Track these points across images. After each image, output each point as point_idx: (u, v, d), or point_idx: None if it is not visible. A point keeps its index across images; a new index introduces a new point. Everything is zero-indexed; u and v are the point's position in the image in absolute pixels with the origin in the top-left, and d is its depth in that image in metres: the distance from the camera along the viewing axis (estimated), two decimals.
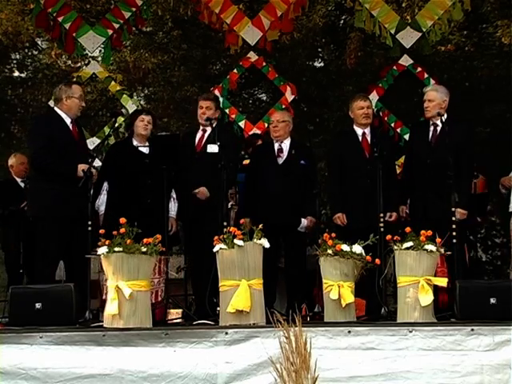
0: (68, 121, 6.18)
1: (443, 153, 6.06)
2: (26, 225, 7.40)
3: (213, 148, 6.26)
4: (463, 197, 6.04)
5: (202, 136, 6.54)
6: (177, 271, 7.36)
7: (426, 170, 6.24)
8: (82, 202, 5.81)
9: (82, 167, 5.93)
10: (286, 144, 6.68)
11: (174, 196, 6.50)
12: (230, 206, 6.56)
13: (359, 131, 6.53)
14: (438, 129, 6.29)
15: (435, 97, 6.34)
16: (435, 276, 5.49)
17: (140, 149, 6.46)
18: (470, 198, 6.38)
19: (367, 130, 6.54)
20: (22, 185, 7.77)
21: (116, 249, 5.22)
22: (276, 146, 6.68)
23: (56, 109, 6.26)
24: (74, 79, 8.81)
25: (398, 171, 6.89)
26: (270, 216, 6.27)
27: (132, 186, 6.28)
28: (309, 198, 6.44)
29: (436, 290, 5.55)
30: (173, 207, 6.47)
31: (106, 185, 6.44)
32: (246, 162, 7.30)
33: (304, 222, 6.47)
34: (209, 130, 6.47)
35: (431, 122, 6.37)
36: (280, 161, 6.62)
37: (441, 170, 6.04)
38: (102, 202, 6.43)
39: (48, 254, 6.00)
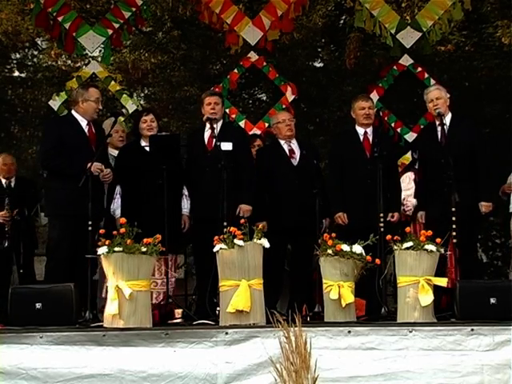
0: (84, 123, 6.20)
1: (455, 151, 6.07)
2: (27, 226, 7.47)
3: (226, 146, 6.22)
4: (485, 189, 6.14)
5: (211, 134, 6.43)
6: (175, 269, 7.38)
7: (440, 171, 6.21)
8: (93, 202, 5.82)
9: (92, 165, 5.93)
10: (295, 144, 6.68)
11: (186, 193, 6.47)
12: None
13: (361, 131, 6.53)
14: (446, 128, 6.29)
15: (441, 95, 6.40)
16: (447, 276, 5.51)
17: (147, 149, 6.43)
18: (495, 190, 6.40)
19: (369, 130, 6.54)
20: (5, 185, 7.77)
21: (116, 249, 5.23)
22: (286, 146, 6.67)
23: (72, 111, 6.30)
24: (74, 79, 8.81)
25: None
26: (287, 218, 6.30)
27: (145, 187, 6.26)
28: (324, 198, 6.43)
29: (439, 290, 5.55)
30: (185, 205, 6.45)
31: (118, 188, 6.43)
32: None
33: (324, 223, 6.50)
34: (216, 127, 6.39)
35: (438, 123, 6.37)
36: (294, 162, 6.62)
37: (455, 167, 6.03)
38: (117, 205, 6.41)
39: (58, 253, 6.00)
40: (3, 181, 7.82)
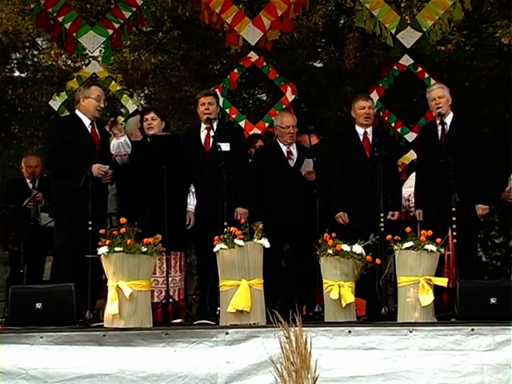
0: (87, 123, 6.20)
1: (454, 151, 6.07)
2: (29, 224, 7.47)
3: (225, 147, 6.20)
4: (482, 192, 6.12)
5: (208, 135, 6.42)
6: (181, 268, 7.35)
7: (439, 170, 6.19)
8: (96, 202, 5.85)
9: (96, 167, 5.95)
10: (294, 146, 6.70)
11: (193, 190, 6.45)
12: None
13: (361, 131, 6.54)
14: (447, 127, 6.27)
15: (444, 93, 6.36)
16: (443, 275, 5.51)
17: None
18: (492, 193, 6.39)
19: (369, 130, 6.54)
20: (31, 185, 7.79)
21: (116, 249, 5.22)
22: (284, 148, 6.69)
23: (76, 111, 6.32)
24: (75, 79, 8.82)
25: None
26: (281, 218, 6.31)
27: (148, 186, 6.25)
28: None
29: (439, 289, 5.55)
30: (191, 201, 6.42)
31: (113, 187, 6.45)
32: None
33: None
34: (213, 128, 6.39)
35: (438, 122, 6.35)
36: (291, 163, 6.64)
37: (455, 168, 6.02)
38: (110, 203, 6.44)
39: (64, 253, 5.99)
40: (28, 181, 7.85)
